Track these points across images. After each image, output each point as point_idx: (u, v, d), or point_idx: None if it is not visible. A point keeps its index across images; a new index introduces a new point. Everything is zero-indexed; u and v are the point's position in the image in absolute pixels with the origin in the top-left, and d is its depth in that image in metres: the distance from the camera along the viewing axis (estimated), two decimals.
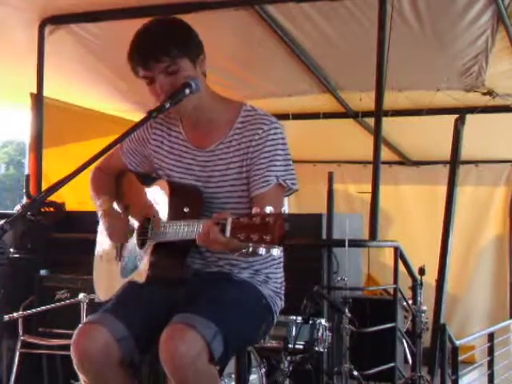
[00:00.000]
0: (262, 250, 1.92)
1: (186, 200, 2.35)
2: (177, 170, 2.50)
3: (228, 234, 1.96)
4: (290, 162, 2.43)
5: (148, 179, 2.60)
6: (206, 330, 2.17)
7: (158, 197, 2.44)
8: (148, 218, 2.45)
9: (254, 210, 1.93)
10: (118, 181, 2.69)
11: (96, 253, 2.72)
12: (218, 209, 2.41)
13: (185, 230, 2.21)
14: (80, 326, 2.35)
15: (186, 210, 2.32)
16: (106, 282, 2.61)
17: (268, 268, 2.53)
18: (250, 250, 1.93)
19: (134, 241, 2.49)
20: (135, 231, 2.50)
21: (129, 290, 2.48)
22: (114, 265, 2.57)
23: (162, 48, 2.31)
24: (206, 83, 2.45)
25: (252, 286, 2.47)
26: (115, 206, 2.61)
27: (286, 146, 2.42)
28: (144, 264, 2.38)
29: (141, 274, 2.38)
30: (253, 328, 2.48)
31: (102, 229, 2.66)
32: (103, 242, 2.67)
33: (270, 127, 2.41)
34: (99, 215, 2.59)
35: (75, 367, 2.30)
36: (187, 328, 2.16)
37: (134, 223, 2.54)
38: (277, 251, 1.92)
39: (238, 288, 2.44)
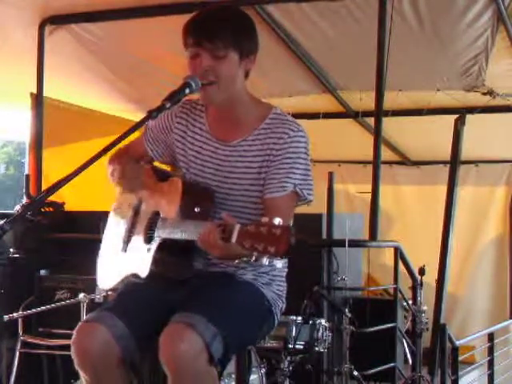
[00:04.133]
0: (265, 261, 1.93)
1: (197, 200, 2.35)
2: (197, 161, 2.49)
3: (234, 240, 1.96)
4: (310, 173, 2.42)
5: (161, 174, 2.59)
6: (206, 331, 2.16)
7: (169, 193, 2.43)
8: (157, 213, 2.45)
9: (263, 219, 1.93)
10: None
11: (104, 243, 2.71)
12: (231, 207, 2.41)
13: (193, 231, 2.20)
14: (80, 323, 2.34)
15: (196, 209, 2.32)
16: (109, 272, 2.61)
17: (273, 271, 2.52)
18: (253, 258, 1.94)
19: (140, 234, 2.49)
20: (144, 225, 2.49)
21: (129, 289, 2.47)
22: (120, 256, 2.57)
23: (220, 32, 2.30)
24: (245, 81, 2.45)
25: (254, 287, 2.47)
26: (128, 195, 2.60)
27: (308, 156, 2.41)
28: (148, 259, 2.37)
29: (144, 269, 2.38)
30: (253, 330, 2.47)
31: (110, 222, 2.66)
32: (111, 234, 2.67)
33: (297, 134, 2.40)
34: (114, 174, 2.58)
35: (75, 365, 2.29)
36: (187, 328, 2.15)
37: (135, 235, 2.53)
38: (280, 263, 1.92)
39: (240, 289, 2.43)
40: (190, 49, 2.35)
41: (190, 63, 2.36)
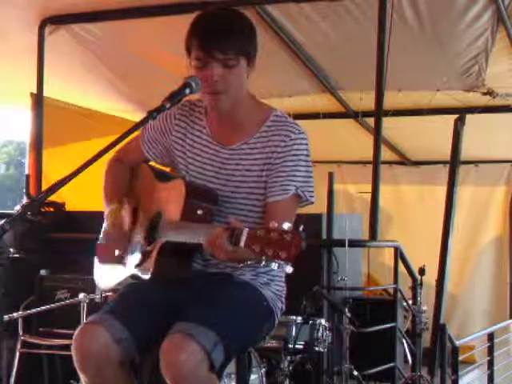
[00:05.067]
0: (274, 265, 1.93)
1: (200, 202, 2.34)
2: (197, 163, 2.48)
3: (243, 244, 1.96)
4: (311, 175, 2.42)
5: (163, 175, 2.58)
6: (207, 340, 2.15)
7: (171, 195, 2.41)
8: (159, 214, 2.44)
9: (272, 224, 1.94)
10: (132, 172, 2.66)
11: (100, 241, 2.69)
12: (233, 210, 2.41)
13: (196, 233, 2.19)
14: (81, 325, 2.35)
15: (199, 212, 2.31)
16: (109, 272, 2.60)
17: (272, 271, 2.51)
18: (263, 263, 1.95)
19: (141, 235, 2.48)
20: (143, 227, 2.48)
21: (129, 290, 2.47)
22: None
23: (230, 42, 2.29)
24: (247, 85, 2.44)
25: (253, 287, 2.46)
26: (124, 210, 2.53)
27: (309, 158, 2.42)
28: (150, 261, 2.37)
29: (146, 271, 2.37)
30: (253, 331, 2.47)
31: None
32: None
33: (298, 136, 2.40)
34: (106, 217, 2.55)
35: (76, 367, 2.29)
36: (187, 339, 2.14)
37: (135, 236, 2.51)
38: (290, 269, 1.92)
39: (240, 290, 2.43)
40: (197, 57, 2.32)
41: (198, 73, 2.32)
